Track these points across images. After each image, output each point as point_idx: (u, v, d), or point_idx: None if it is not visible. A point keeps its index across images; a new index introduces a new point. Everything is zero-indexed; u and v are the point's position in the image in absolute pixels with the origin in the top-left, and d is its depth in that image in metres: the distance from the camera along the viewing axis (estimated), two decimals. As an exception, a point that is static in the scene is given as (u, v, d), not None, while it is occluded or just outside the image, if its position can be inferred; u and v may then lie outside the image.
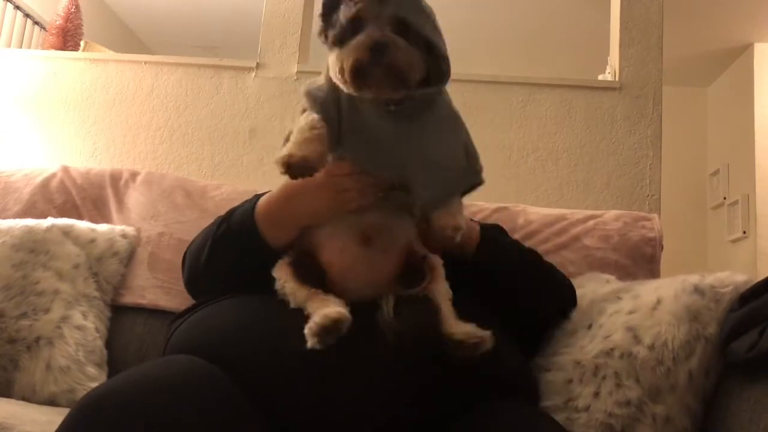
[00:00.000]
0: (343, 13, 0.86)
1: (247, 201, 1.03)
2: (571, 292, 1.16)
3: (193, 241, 1.08)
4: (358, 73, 0.84)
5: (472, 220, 1.10)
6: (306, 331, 0.80)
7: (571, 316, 1.13)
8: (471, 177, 0.95)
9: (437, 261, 0.95)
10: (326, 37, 0.90)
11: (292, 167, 0.85)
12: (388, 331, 0.82)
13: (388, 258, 0.93)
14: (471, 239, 1.02)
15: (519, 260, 1.10)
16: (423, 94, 0.90)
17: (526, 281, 1.07)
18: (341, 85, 0.88)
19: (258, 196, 1.01)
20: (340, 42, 0.86)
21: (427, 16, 0.90)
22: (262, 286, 0.91)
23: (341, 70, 0.85)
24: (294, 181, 0.93)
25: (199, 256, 1.03)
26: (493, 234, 1.10)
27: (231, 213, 1.04)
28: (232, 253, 1.00)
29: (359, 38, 0.84)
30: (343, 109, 0.91)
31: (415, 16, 0.86)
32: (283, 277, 0.90)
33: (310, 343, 0.80)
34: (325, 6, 0.91)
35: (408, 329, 0.83)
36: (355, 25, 0.85)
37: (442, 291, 0.91)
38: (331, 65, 0.88)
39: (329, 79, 0.91)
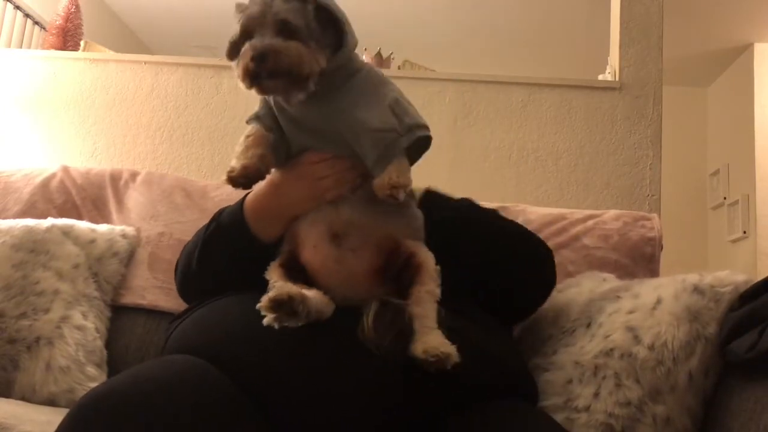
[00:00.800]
0: (235, 28, 0.91)
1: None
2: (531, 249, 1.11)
3: (184, 246, 1.09)
4: (251, 80, 0.88)
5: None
6: (259, 306, 0.80)
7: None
8: (410, 133, 0.91)
9: (426, 258, 0.91)
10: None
11: (234, 180, 0.90)
12: (368, 344, 0.82)
13: (359, 257, 0.91)
14: None
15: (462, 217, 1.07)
16: (333, 72, 0.91)
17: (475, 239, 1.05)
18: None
19: (246, 195, 1.02)
20: (237, 54, 0.90)
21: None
22: (257, 286, 0.91)
23: (239, 78, 0.90)
24: (278, 174, 0.98)
25: (190, 258, 1.04)
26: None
27: (219, 213, 1.05)
28: (223, 251, 1.01)
29: (243, 49, 0.88)
30: (277, 113, 0.95)
31: (293, 14, 0.87)
32: (274, 278, 0.90)
33: (266, 320, 0.80)
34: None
35: (384, 343, 0.81)
36: (245, 37, 0.89)
37: (425, 294, 0.87)
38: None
39: None
